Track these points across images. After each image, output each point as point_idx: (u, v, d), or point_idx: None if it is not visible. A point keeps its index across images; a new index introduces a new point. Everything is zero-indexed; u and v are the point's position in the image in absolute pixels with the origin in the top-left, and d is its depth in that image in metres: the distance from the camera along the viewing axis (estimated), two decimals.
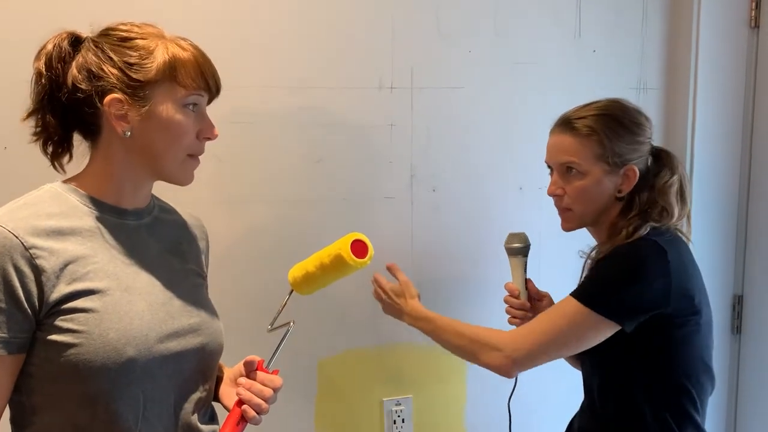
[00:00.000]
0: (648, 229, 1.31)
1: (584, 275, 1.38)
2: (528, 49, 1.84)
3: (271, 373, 1.09)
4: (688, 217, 1.41)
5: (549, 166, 1.41)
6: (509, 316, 1.54)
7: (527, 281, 1.55)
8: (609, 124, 1.33)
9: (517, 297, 1.52)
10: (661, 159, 1.40)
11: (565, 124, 1.37)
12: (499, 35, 1.81)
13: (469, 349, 1.39)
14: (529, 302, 1.54)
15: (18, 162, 1.44)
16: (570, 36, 1.88)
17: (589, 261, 1.39)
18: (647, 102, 1.97)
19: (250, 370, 1.09)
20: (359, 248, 1.08)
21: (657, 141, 1.96)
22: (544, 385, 1.81)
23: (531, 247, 1.56)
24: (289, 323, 1.12)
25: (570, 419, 1.58)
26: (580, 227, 1.42)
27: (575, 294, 1.30)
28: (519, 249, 1.52)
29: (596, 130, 1.32)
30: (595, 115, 1.34)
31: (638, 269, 1.27)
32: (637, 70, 1.96)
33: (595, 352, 1.31)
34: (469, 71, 1.79)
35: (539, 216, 1.77)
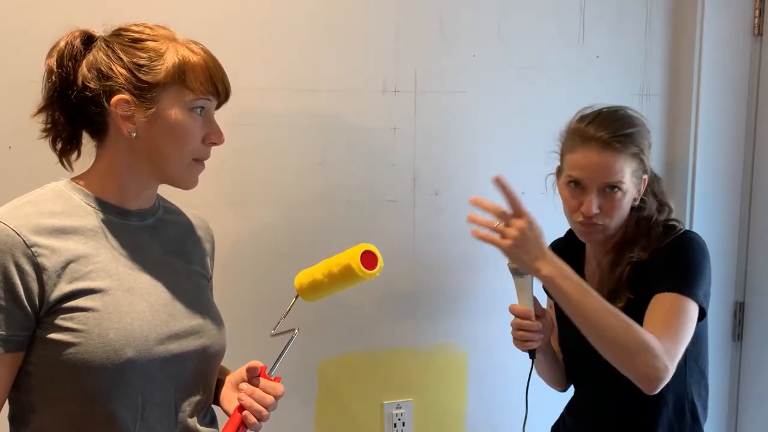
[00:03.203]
0: (681, 224, 1.38)
1: (654, 267, 1.32)
2: (531, 53, 1.85)
3: (273, 380, 1.09)
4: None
5: (577, 182, 1.35)
6: (523, 341, 1.39)
7: (534, 300, 1.42)
8: (647, 139, 1.36)
9: (529, 319, 1.38)
10: None
11: (607, 144, 1.32)
12: (502, 39, 1.82)
13: (625, 343, 1.20)
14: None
15: (22, 161, 1.45)
16: (573, 41, 1.89)
17: (608, 270, 1.38)
18: (650, 108, 1.97)
19: (253, 375, 1.09)
20: (369, 259, 1.08)
21: (660, 147, 1.99)
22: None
23: None
24: (293, 330, 1.12)
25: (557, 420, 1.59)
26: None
27: (684, 290, 1.28)
28: None
29: (642, 149, 1.34)
30: (634, 132, 1.34)
31: (707, 257, 1.33)
32: (641, 76, 1.96)
33: None
34: (473, 75, 1.80)
35: (541, 221, 1.76)
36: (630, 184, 1.34)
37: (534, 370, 1.45)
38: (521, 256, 1.23)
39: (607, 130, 1.34)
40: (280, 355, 1.11)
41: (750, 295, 2.05)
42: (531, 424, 1.46)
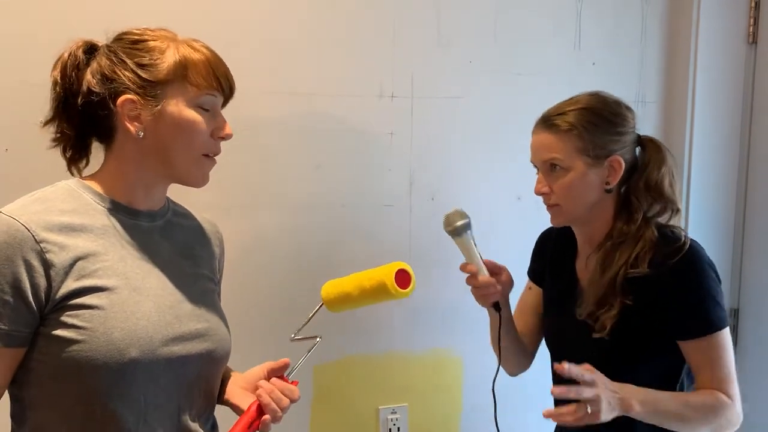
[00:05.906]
0: (681, 231, 1.34)
1: (657, 301, 1.30)
2: (528, 59, 1.85)
3: (291, 384, 1.10)
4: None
5: (535, 166, 1.40)
6: (480, 296, 1.42)
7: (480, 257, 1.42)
8: (588, 117, 1.33)
9: (478, 275, 1.39)
10: (648, 150, 1.40)
11: (545, 122, 1.36)
12: (499, 46, 1.83)
13: (702, 418, 1.30)
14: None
15: (19, 164, 1.44)
16: (569, 48, 1.90)
17: (598, 273, 1.35)
18: (646, 115, 1.98)
19: (280, 373, 1.11)
20: (402, 278, 1.09)
21: None
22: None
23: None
24: (315, 337, 1.13)
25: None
26: (571, 223, 1.41)
27: (713, 327, 1.30)
28: (464, 226, 1.38)
29: (575, 124, 1.32)
30: (574, 110, 1.34)
31: (713, 270, 1.32)
32: (636, 83, 1.97)
33: (653, 358, 1.33)
34: (469, 81, 1.81)
35: (537, 226, 1.77)
36: (577, 163, 1.32)
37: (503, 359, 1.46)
38: (611, 414, 1.20)
39: (549, 110, 1.38)
40: (301, 360, 1.12)
41: (744, 302, 2.06)
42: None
